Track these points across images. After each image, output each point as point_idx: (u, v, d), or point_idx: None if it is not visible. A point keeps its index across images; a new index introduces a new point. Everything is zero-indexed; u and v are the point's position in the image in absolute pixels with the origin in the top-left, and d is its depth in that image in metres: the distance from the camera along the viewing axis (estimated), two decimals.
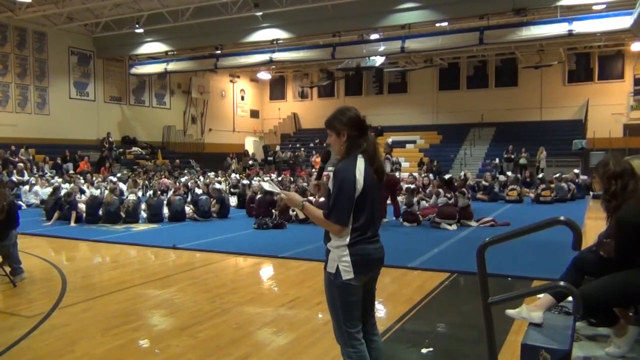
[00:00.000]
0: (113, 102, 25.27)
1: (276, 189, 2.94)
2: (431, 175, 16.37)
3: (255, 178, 18.05)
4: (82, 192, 14.12)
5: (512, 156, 22.56)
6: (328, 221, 2.61)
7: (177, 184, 15.61)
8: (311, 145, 29.18)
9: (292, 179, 17.83)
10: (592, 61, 25.90)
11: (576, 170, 18.34)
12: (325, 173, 3.18)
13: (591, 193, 17.04)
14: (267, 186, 3.04)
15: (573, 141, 22.90)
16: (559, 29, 16.93)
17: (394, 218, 11.17)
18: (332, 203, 2.60)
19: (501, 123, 26.69)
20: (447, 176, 11.70)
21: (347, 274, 2.61)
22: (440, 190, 10.70)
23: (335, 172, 2.64)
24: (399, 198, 12.08)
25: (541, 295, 3.33)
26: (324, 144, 27.43)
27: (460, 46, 19.96)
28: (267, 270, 7.29)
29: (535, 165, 22.23)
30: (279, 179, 17.85)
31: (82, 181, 16.04)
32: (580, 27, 16.68)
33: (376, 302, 2.98)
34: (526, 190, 16.93)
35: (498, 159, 23.19)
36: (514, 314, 3.20)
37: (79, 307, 5.31)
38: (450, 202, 10.44)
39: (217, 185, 13.59)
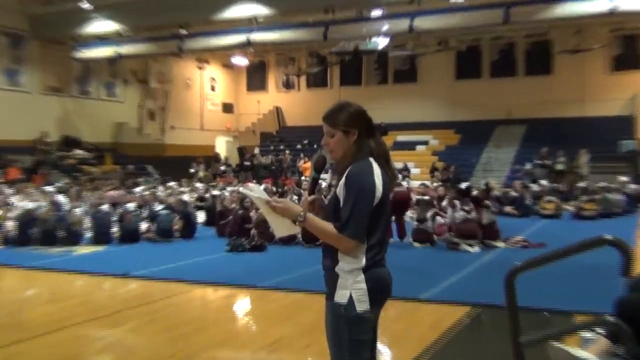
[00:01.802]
0: (51, 93, 25.14)
1: (264, 195, 2.85)
2: (437, 186, 16.29)
3: (228, 188, 17.99)
4: (9, 205, 13.98)
5: (547, 161, 22.65)
6: (341, 236, 2.61)
7: (131, 195, 15.53)
8: (298, 146, 29.23)
9: (275, 189, 17.79)
10: None
11: (624, 178, 18.45)
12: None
13: None
14: (253, 193, 2.94)
15: (620, 142, 23.09)
16: (598, 5, 17.09)
17: (399, 239, 11.15)
18: (348, 214, 2.61)
19: (533, 120, 26.87)
20: (463, 184, 11.72)
21: (362, 305, 2.64)
22: (456, 201, 10.72)
23: (349, 176, 2.67)
24: (409, 212, 12.07)
25: (588, 334, 3.31)
26: (318, 146, 27.47)
27: (481, 25, 20.12)
28: (242, 303, 7.27)
29: (575, 171, 22.36)
30: (262, 187, 17.80)
31: (11, 191, 15.93)
32: (626, 3, 16.83)
33: (379, 343, 2.95)
34: (564, 205, 16.96)
35: (530, 164, 23.32)
36: (564, 347, 3.18)
37: (3, 352, 5.23)
38: (470, 216, 10.46)
39: (182, 197, 13.55)
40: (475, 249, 10.26)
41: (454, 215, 10.61)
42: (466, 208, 10.54)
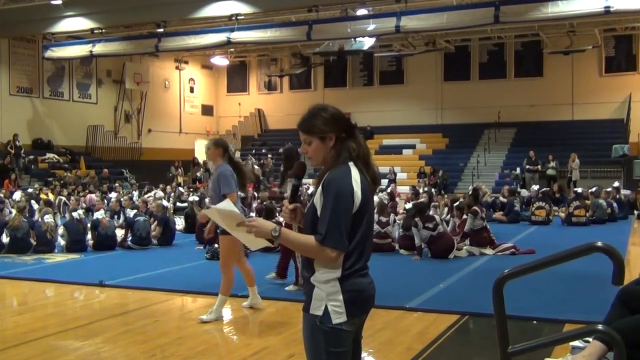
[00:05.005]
0: (22, 94, 24.93)
1: (237, 213, 2.75)
2: (433, 190, 16.44)
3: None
4: None
5: (539, 167, 22.75)
6: (323, 247, 2.59)
7: (105, 201, 15.46)
8: (281, 150, 29.19)
9: (256, 194, 17.77)
10: (635, 46, 26.51)
11: (616, 184, 18.66)
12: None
13: (635, 212, 17.37)
14: (221, 210, 2.84)
15: (613, 146, 23.35)
16: (593, 4, 17.28)
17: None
18: (328, 222, 2.60)
19: (523, 123, 27.11)
20: (420, 200, 11.75)
21: (339, 317, 2.63)
22: (417, 219, 10.32)
23: (327, 183, 2.66)
24: (396, 219, 12.11)
25: (578, 344, 3.36)
26: (296, 152, 27.44)
27: (470, 25, 20.23)
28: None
29: (567, 176, 22.56)
30: (242, 195, 17.73)
31: None
32: (620, 2, 17.04)
33: (364, 353, 2.98)
34: (555, 209, 17.10)
35: (519, 168, 23.51)
36: None
37: None
38: (435, 233, 10.09)
39: (163, 202, 13.48)
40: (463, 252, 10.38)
41: (420, 235, 10.13)
42: (430, 225, 10.19)
